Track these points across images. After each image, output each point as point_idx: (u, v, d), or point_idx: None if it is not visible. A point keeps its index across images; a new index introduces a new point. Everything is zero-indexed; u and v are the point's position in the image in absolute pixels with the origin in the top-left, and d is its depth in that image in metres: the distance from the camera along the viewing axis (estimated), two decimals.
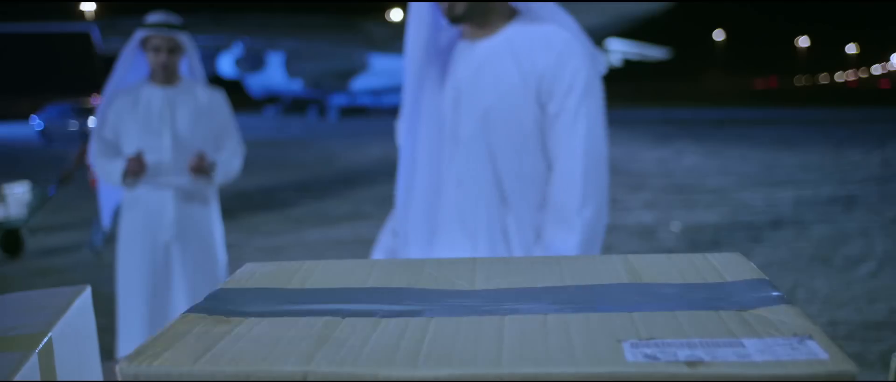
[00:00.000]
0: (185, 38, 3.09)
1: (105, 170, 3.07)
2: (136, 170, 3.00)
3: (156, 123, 3.07)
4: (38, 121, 22.38)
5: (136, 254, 3.09)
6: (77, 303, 0.73)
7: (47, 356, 0.63)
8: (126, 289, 3.12)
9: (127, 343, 3.07)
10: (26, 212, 6.63)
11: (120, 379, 0.50)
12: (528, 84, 1.73)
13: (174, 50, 3.06)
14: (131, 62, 3.13)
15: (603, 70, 1.79)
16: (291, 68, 30.82)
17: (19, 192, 6.56)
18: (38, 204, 6.80)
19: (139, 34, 3.05)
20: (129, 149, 3.07)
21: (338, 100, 32.45)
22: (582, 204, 1.71)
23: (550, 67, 1.71)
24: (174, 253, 3.10)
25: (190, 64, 3.22)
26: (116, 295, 3.16)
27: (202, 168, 3.06)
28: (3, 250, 6.60)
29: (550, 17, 1.76)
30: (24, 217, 6.60)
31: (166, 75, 3.09)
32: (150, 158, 3.04)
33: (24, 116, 32.48)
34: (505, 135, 1.76)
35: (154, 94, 3.09)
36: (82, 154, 6.26)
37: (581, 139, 1.71)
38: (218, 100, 3.21)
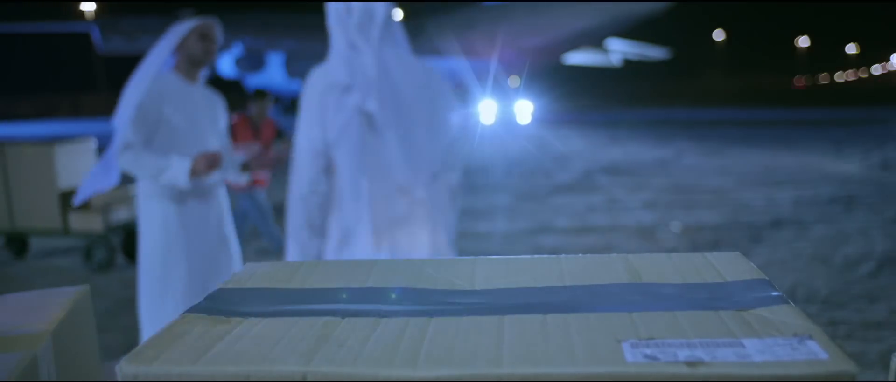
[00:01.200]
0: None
1: (158, 165, 2.85)
2: (212, 164, 2.86)
3: (201, 120, 3.05)
4: None
5: (184, 251, 2.98)
6: (77, 303, 0.73)
7: (47, 356, 0.63)
8: (161, 281, 3.00)
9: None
10: None
11: (120, 379, 0.50)
12: None
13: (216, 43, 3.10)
14: (167, 54, 3.01)
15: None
16: (291, 68, 30.82)
17: None
18: None
19: (189, 24, 2.98)
20: (176, 145, 2.94)
21: None
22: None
23: None
24: (220, 250, 3.10)
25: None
26: (138, 284, 3.05)
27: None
28: (125, 253, 6.29)
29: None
30: None
31: (198, 70, 3.05)
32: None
33: (24, 117, 32.43)
34: None
35: (193, 91, 3.04)
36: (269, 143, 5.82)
37: None
38: (222, 104, 3.25)
